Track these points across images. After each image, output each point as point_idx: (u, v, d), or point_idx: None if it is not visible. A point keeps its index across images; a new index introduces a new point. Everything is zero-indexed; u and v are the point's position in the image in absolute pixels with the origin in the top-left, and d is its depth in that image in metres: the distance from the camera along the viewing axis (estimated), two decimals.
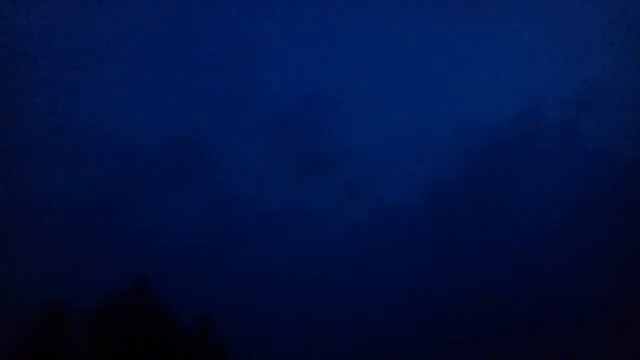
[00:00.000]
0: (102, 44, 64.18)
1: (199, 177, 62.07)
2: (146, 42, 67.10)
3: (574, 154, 63.21)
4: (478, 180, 63.41)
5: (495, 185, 63.01)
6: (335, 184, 62.76)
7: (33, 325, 34.99)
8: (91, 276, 42.99)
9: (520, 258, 54.82)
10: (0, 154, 54.03)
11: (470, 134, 65.08)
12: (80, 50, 62.83)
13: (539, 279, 52.95)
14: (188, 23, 68.24)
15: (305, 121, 67.05)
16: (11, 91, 58.66)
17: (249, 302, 46.67)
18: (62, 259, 46.38)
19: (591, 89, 64.62)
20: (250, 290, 48.62)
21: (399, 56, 70.19)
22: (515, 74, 67.45)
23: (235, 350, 36.06)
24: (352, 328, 49.17)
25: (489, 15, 67.22)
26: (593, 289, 50.73)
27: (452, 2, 68.02)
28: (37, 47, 61.15)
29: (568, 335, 48.89)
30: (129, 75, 64.33)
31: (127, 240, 49.92)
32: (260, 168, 63.05)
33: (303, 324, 47.86)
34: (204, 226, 56.76)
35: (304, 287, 51.74)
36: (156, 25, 67.40)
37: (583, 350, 47.39)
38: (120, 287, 35.93)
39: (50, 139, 57.89)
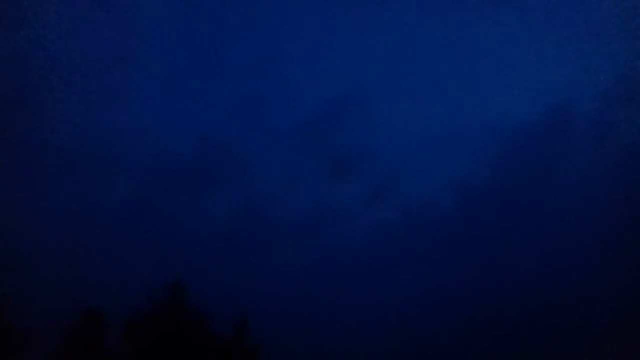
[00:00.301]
0: (131, 52, 65.00)
1: (229, 181, 62.47)
2: (174, 49, 67.86)
3: (607, 148, 62.10)
4: (508, 178, 62.58)
5: (527, 183, 62.12)
6: (364, 185, 62.74)
7: (70, 330, 35.21)
8: (126, 281, 43.30)
9: (552, 258, 53.89)
10: (32, 162, 54.89)
11: (500, 131, 64.44)
12: (110, 58, 63.73)
13: (574, 279, 51.90)
14: (216, 29, 68.84)
15: (333, 123, 67.15)
16: (43, 101, 59.61)
17: (281, 303, 46.69)
18: (97, 265, 46.85)
19: (625, 81, 63.52)
20: (283, 291, 48.64)
21: (425, 56, 70.02)
22: (546, 68, 66.79)
23: (270, 351, 36.03)
24: (383, 327, 48.86)
25: (518, 10, 66.60)
26: (633, 290, 49.47)
27: None
28: (67, 56, 62.12)
29: (599, 338, 47.68)
30: (157, 82, 65.12)
31: (160, 245, 50.33)
32: (289, 170, 63.28)
33: (335, 324, 47.68)
34: (235, 229, 57.02)
35: (336, 287, 51.66)
36: (184, 32, 68.15)
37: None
38: (154, 292, 36.03)
39: (81, 147, 58.77)
